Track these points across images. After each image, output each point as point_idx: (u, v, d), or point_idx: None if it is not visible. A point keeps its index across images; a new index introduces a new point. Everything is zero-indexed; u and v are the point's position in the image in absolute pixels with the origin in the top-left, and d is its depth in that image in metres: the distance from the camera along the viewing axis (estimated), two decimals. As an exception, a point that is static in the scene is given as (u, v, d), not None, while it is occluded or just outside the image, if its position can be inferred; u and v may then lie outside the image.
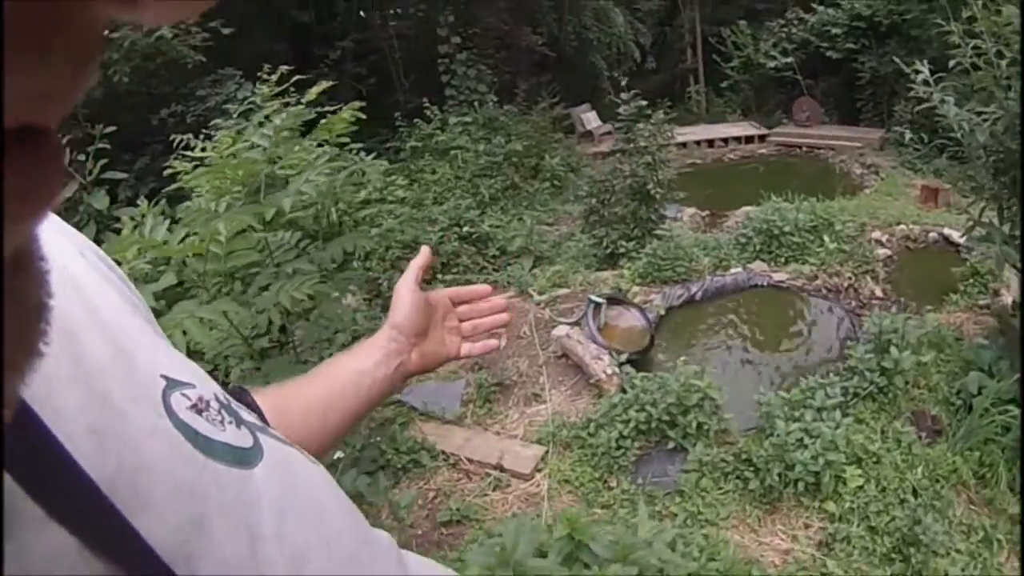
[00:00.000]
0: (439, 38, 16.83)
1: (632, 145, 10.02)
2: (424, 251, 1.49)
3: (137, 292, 0.87)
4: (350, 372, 1.27)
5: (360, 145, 14.27)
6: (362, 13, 19.25)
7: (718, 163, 18.55)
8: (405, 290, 1.40)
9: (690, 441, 5.88)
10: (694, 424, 5.89)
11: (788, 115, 20.16)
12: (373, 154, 14.27)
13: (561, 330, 8.22)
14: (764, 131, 19.53)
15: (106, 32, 0.33)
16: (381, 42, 18.36)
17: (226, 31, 15.37)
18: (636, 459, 6.05)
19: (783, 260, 9.58)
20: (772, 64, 20.15)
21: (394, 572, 0.91)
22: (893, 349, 6.28)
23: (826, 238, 9.76)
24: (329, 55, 17.31)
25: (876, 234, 11.26)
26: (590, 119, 19.58)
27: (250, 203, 6.07)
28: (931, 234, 11.32)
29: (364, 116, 7.59)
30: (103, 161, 9.06)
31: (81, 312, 0.69)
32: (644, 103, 10.40)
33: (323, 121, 7.52)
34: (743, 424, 6.24)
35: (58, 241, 0.75)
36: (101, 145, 9.06)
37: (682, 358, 6.79)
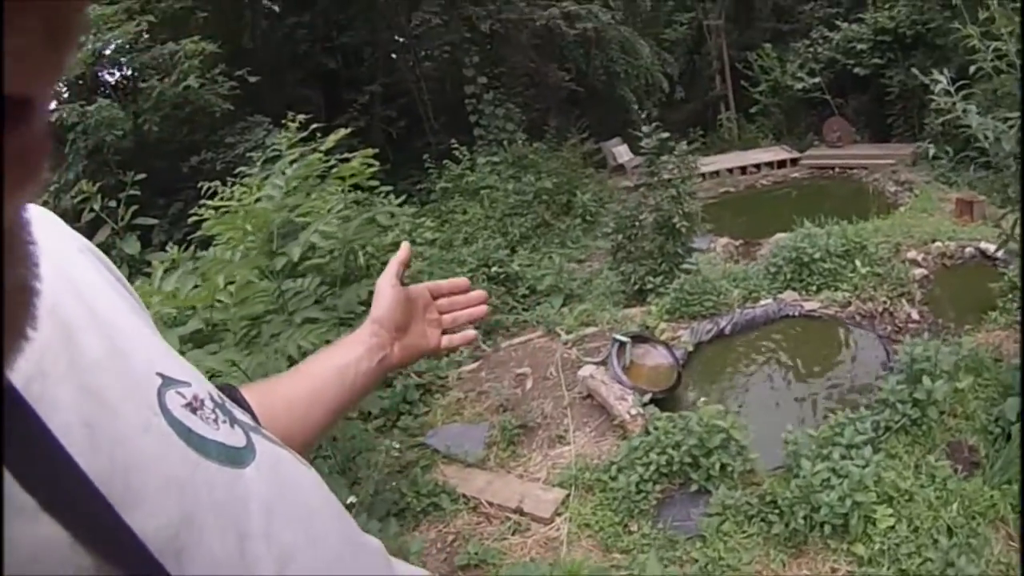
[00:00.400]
0: (465, 78, 16.82)
1: (656, 179, 9.82)
2: (404, 247, 1.54)
3: (136, 295, 0.88)
4: (333, 367, 1.28)
5: (389, 188, 14.38)
6: (393, 56, 19.32)
7: (751, 189, 18.29)
8: (386, 285, 1.43)
9: (713, 483, 5.66)
10: (717, 466, 5.67)
11: (819, 136, 19.85)
12: (403, 196, 14.32)
13: (587, 370, 8.03)
14: (796, 154, 19.25)
15: (86, 13, 0.33)
16: (409, 84, 18.42)
17: (252, 79, 15.53)
18: (658, 502, 5.84)
19: (815, 288, 9.30)
20: (800, 86, 19.88)
21: (382, 573, 0.93)
22: (926, 379, 6.00)
23: (858, 263, 9.48)
24: (358, 99, 17.38)
25: (911, 253, 10.95)
26: (621, 152, 19.44)
27: (264, 252, 6.15)
28: (967, 249, 10.99)
29: (376, 161, 7.60)
30: (134, 207, 8.93)
31: (78, 310, 0.70)
32: (667, 135, 10.21)
33: (334, 169, 7.54)
34: (771, 463, 5.99)
35: (58, 240, 0.77)
36: (132, 192, 8.96)
37: (702, 399, 6.57)
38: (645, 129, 9.97)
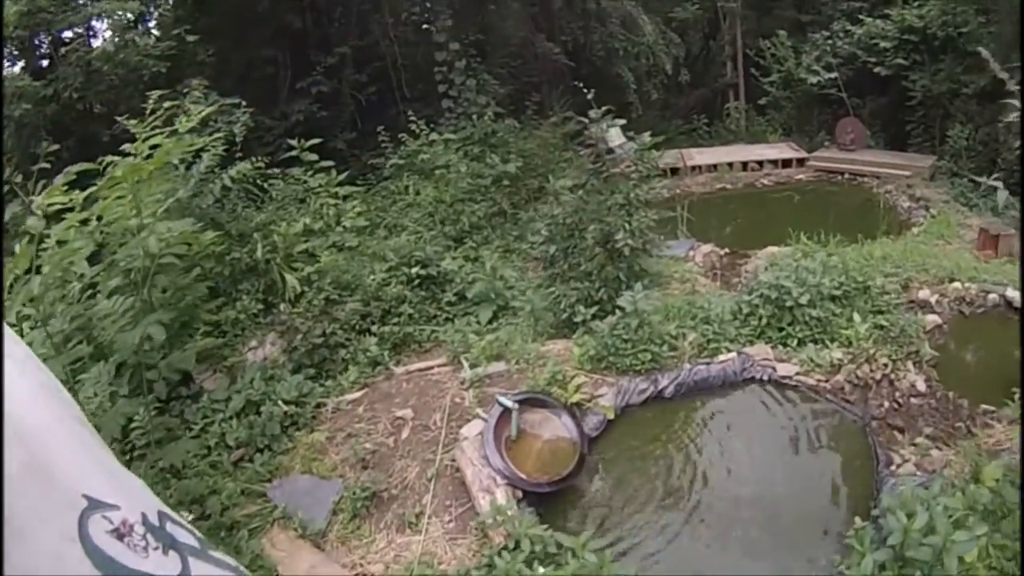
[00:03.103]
0: (436, 44, 14.27)
1: (602, 177, 7.31)
2: None
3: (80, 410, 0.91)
4: None
5: (330, 163, 11.92)
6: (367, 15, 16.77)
7: (750, 188, 15.89)
8: None
9: None
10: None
11: (831, 137, 17.38)
12: (343, 172, 11.88)
13: (471, 429, 5.84)
14: (803, 154, 16.85)
15: None
16: (383, 48, 15.88)
17: (191, 38, 13.25)
18: None
19: (796, 342, 6.88)
20: (815, 80, 17.40)
21: None
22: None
23: (856, 316, 7.00)
24: (324, 61, 14.90)
25: (924, 293, 8.59)
26: (613, 136, 16.77)
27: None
28: (991, 295, 8.64)
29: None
30: (44, 181, 7.53)
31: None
32: (622, 122, 7.80)
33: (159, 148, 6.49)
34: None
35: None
36: (43, 164, 7.59)
37: (585, 534, 4.19)
38: (592, 113, 7.50)
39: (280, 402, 7.16)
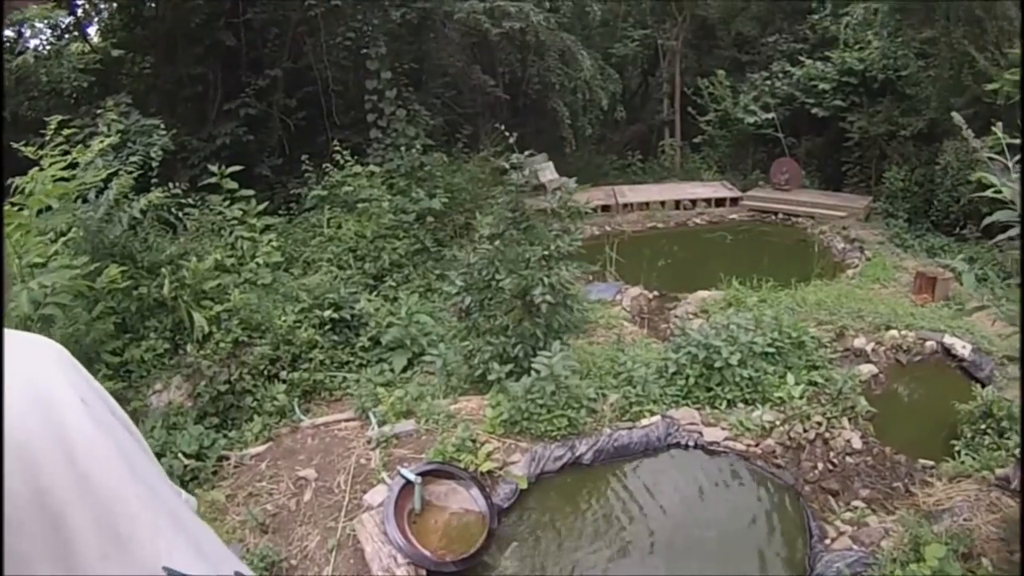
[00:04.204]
0: (367, 72, 13.65)
1: (521, 227, 6.73)
2: None
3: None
4: None
5: (250, 192, 11.21)
6: (301, 39, 16.15)
7: (682, 227, 15.47)
8: None
9: None
10: None
11: (766, 176, 17.08)
12: (263, 204, 11.18)
13: (376, 495, 5.16)
14: (737, 193, 16.54)
15: None
16: (316, 73, 15.22)
17: (116, 52, 12.53)
18: None
19: (725, 404, 6.35)
20: (751, 120, 17.22)
21: None
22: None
23: (790, 377, 6.50)
24: (255, 82, 14.19)
25: (859, 341, 8.21)
26: (545, 171, 16.26)
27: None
28: (928, 343, 8.28)
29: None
30: None
31: (69, 484, 0.64)
32: (549, 164, 7.24)
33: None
34: None
35: (59, 386, 0.71)
36: None
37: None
38: (516, 157, 6.93)
39: (181, 455, 6.49)
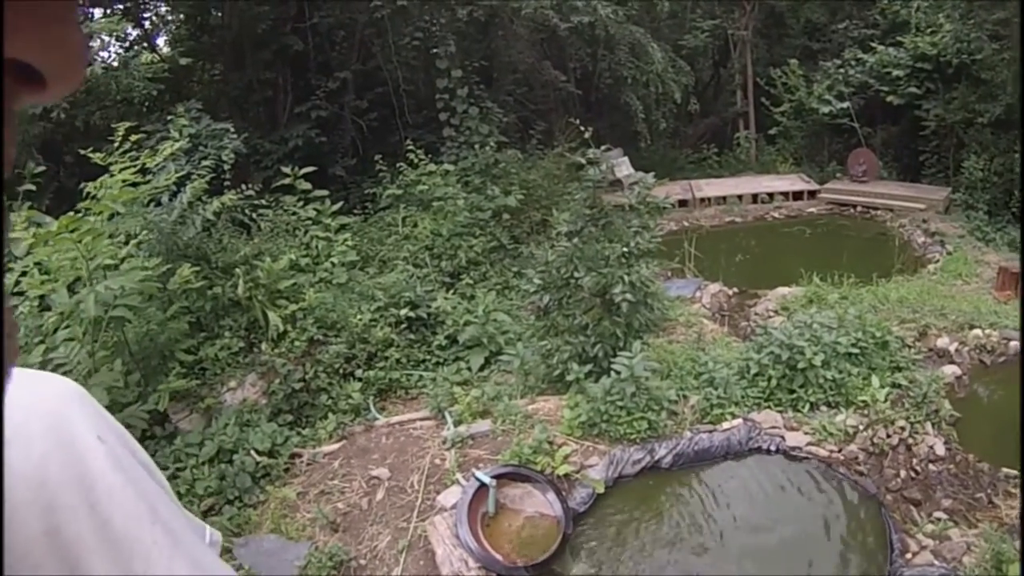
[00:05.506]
0: (438, 71, 13.75)
1: (600, 223, 6.70)
2: None
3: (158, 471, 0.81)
4: None
5: (325, 193, 11.42)
6: (370, 40, 16.33)
7: (760, 222, 15.21)
8: None
9: None
10: None
11: (843, 167, 16.67)
12: (337, 204, 11.38)
13: (450, 496, 5.20)
14: (815, 186, 16.18)
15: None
16: (386, 74, 15.37)
17: (184, 61, 12.82)
18: None
19: (808, 406, 6.21)
20: (826, 109, 16.79)
21: None
22: None
23: (875, 379, 6.36)
24: (324, 85, 14.40)
25: (942, 341, 7.96)
26: (621, 166, 16.15)
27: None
28: (1012, 343, 7.98)
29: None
30: (28, 204, 7.87)
31: (88, 531, 0.64)
32: (624, 159, 7.21)
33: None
34: None
35: (81, 427, 0.71)
36: (28, 186, 8.02)
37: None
38: (592, 153, 6.89)
39: (253, 451, 6.65)
